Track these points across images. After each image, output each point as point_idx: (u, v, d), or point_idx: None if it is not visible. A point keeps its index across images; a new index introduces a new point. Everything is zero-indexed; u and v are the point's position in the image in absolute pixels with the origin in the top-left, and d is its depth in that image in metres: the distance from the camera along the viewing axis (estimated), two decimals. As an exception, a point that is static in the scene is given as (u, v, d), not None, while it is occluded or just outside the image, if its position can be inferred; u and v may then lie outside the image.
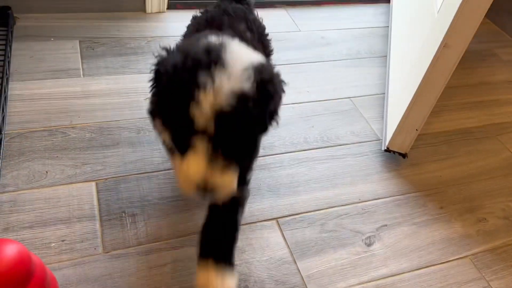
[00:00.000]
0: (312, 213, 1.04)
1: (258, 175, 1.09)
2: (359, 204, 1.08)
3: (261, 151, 1.14)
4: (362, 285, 0.92)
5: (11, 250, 0.66)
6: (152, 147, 1.10)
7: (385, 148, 1.19)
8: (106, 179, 1.02)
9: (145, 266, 0.88)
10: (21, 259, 0.67)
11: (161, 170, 1.06)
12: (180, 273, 0.88)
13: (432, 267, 0.98)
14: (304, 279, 0.91)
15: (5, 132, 1.06)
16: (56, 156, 1.04)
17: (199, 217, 0.93)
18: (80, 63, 1.29)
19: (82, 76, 1.25)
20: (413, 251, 1.00)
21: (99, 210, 0.95)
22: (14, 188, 0.96)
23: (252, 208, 1.02)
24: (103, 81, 1.25)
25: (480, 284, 0.96)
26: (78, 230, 0.91)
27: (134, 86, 1.25)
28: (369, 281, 0.93)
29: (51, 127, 1.10)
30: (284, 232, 0.99)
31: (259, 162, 1.12)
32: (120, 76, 1.28)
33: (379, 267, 0.96)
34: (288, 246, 0.96)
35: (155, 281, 0.86)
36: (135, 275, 0.86)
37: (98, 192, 0.99)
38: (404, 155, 1.18)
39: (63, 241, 0.89)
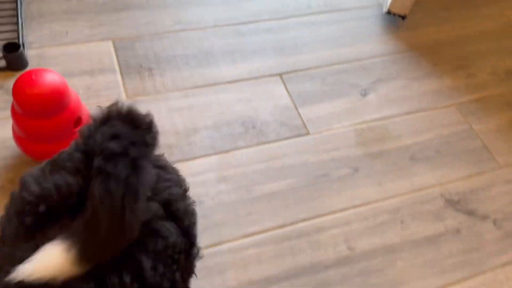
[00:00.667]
0: (314, 69, 1.13)
1: (263, 38, 1.16)
2: (358, 62, 1.16)
3: (265, 16, 1.20)
4: (355, 126, 1.04)
5: (51, 78, 0.77)
6: (162, 10, 1.16)
7: (386, 10, 1.23)
8: (122, 38, 1.10)
9: (165, 110, 0.99)
10: (59, 88, 0.78)
11: (172, 32, 1.13)
12: (194, 113, 1.00)
13: (421, 113, 1.08)
14: (304, 121, 1.02)
15: (23, -4, 1.12)
16: (73, 18, 1.11)
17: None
18: None
19: None
20: (405, 100, 1.10)
21: (119, 64, 1.05)
22: (39, 45, 1.05)
23: (257, 65, 1.11)
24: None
25: (464, 127, 1.08)
26: (101, 80, 1.02)
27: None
28: (362, 123, 1.04)
29: (65, -8, 1.16)
30: (287, 86, 1.09)
31: (263, 26, 1.18)
32: None
33: (372, 113, 1.07)
34: (291, 96, 1.07)
35: (175, 120, 0.98)
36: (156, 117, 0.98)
37: (115, 49, 1.07)
38: (403, 17, 1.24)
39: (89, 89, 1.00)
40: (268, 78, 1.09)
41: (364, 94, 1.10)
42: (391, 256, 0.86)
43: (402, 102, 1.10)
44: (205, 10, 1.20)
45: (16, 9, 1.07)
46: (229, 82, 1.06)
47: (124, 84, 1.02)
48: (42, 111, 0.77)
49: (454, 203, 0.95)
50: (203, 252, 0.82)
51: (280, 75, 1.11)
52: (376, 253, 0.86)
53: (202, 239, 0.83)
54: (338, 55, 1.16)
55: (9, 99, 0.95)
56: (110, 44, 1.08)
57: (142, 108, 0.98)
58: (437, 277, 0.85)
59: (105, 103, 0.97)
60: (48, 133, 0.80)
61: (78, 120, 0.83)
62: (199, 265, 0.70)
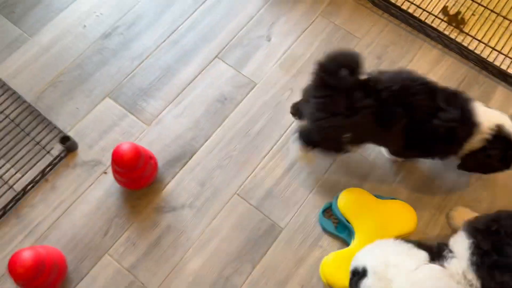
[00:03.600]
0: (232, 41, 1.69)
1: (190, 36, 1.68)
2: (252, 20, 1.73)
3: (182, 19, 1.71)
4: (277, 62, 1.65)
5: (133, 146, 1.29)
6: (117, 58, 1.64)
7: (249, -25, 1.77)
8: (111, 91, 1.58)
9: (171, 118, 1.55)
10: (136, 154, 1.31)
11: (136, 68, 1.62)
12: (190, 109, 1.56)
13: (306, 31, 1.71)
14: (250, 77, 1.62)
15: None
16: (72, 96, 1.57)
17: None
18: None
19: None
20: (291, 29, 1.72)
21: (124, 108, 1.56)
22: (70, 127, 1.52)
23: (199, 58, 1.65)
24: None
25: (331, 26, 1.72)
26: (124, 124, 1.54)
27: None
28: (280, 58, 1.66)
29: None
30: (225, 61, 1.65)
31: (185, 27, 1.69)
32: None
33: (280, 48, 1.68)
34: (232, 66, 1.65)
35: (182, 121, 1.55)
36: (168, 124, 1.54)
37: (115, 100, 1.57)
38: (261, -27, 1.78)
39: (123, 133, 1.52)
40: (213, 63, 1.65)
41: (269, 39, 1.69)
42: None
43: (292, 31, 1.71)
44: (143, 40, 1.67)
45: (36, 111, 1.50)
46: (194, 78, 1.61)
47: (138, 118, 1.54)
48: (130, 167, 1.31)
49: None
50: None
51: (217, 56, 1.66)
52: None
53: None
54: (237, 24, 1.71)
55: (81, 174, 1.46)
56: (108, 99, 1.57)
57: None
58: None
59: (137, 138, 1.51)
60: (135, 176, 1.35)
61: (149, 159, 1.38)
62: (258, 181, 1.37)
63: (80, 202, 1.41)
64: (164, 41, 1.68)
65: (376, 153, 1.47)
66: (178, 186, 1.44)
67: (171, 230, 1.38)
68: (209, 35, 1.69)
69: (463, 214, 1.32)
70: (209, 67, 1.64)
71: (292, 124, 1.53)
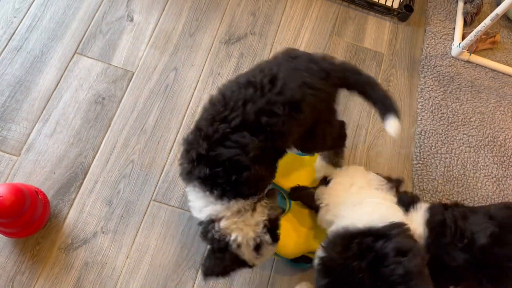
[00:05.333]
0: (89, 32, 1.44)
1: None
2: (101, 5, 1.49)
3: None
4: (148, 42, 1.46)
5: (10, 191, 1.02)
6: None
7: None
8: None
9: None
10: (18, 196, 1.04)
11: None
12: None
13: (169, 2, 1.54)
14: (124, 68, 1.41)
15: None
16: None
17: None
18: None
19: None
20: (152, 4, 1.53)
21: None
22: None
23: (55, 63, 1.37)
24: None
25: (194, -8, 1.57)
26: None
27: None
28: (149, 37, 1.47)
29: None
30: (88, 55, 1.41)
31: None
32: None
33: (147, 26, 1.48)
34: (98, 60, 1.41)
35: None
36: (47, 147, 1.27)
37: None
38: None
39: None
40: (73, 61, 1.39)
41: (131, 19, 1.48)
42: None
43: (155, 3, 1.52)
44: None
45: None
46: (57, 85, 1.34)
47: (2, 151, 1.24)
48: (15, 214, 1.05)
49: (227, 38, 1.52)
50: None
51: (76, 52, 1.40)
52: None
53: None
54: (88, 9, 1.46)
55: None
56: None
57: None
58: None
59: (9, 175, 1.22)
60: (25, 221, 1.09)
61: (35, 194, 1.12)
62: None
63: (-40, 275, 1.10)
64: (3, 50, 1.36)
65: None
66: (81, 214, 1.21)
67: (89, 266, 1.16)
68: (57, 30, 1.42)
69: None
70: (70, 67, 1.38)
71: (191, 103, 1.38)
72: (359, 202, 1.00)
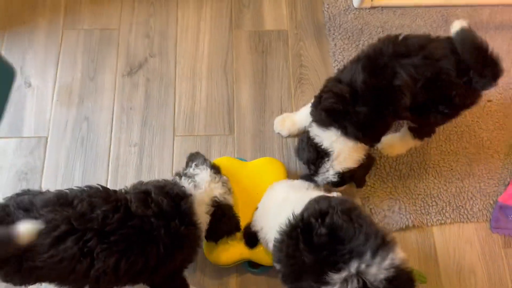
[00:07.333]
0: None
1: None
2: None
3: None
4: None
5: None
6: None
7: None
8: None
9: None
10: None
11: None
12: None
13: (61, 55, 1.51)
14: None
15: None
16: None
17: None
18: None
19: None
20: (46, 60, 1.49)
21: None
22: None
23: None
24: None
25: None
26: None
27: None
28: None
29: None
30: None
31: None
32: None
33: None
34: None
35: None
36: None
37: None
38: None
39: None
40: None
41: (29, 84, 1.45)
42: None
43: (47, 61, 1.48)
44: None
45: None
46: None
47: None
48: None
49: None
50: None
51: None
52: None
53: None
54: None
55: None
56: None
57: None
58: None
59: None
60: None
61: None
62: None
63: None
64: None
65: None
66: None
67: None
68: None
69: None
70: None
71: (111, 148, 1.36)
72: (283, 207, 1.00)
